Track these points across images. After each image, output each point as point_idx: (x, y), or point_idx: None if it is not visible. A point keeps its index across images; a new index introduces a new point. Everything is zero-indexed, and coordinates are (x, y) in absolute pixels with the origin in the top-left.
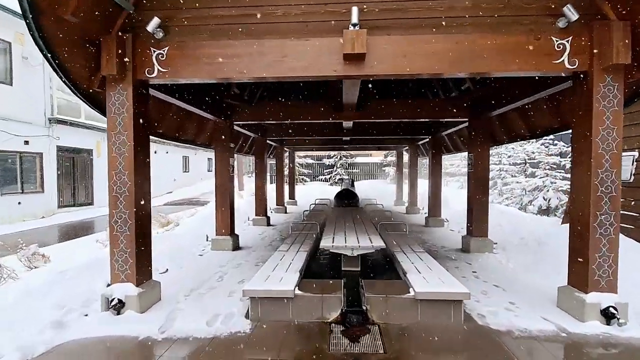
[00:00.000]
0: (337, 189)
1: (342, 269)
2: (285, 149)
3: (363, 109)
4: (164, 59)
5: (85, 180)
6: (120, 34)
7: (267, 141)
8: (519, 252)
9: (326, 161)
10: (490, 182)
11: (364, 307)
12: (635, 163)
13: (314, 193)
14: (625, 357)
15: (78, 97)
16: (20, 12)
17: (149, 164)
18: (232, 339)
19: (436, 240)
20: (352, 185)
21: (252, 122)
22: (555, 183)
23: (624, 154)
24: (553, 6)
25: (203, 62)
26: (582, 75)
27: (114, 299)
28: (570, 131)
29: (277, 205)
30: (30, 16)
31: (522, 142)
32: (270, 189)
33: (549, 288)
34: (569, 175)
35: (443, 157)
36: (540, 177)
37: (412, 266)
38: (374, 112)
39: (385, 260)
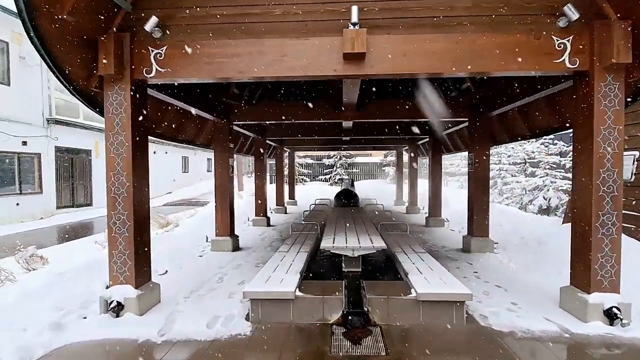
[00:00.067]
0: (337, 189)
1: (343, 269)
2: (285, 149)
3: (363, 108)
4: (162, 58)
5: (84, 181)
6: (117, 33)
7: (267, 141)
8: (520, 251)
9: (326, 161)
10: (490, 182)
11: (366, 309)
12: (636, 162)
13: (313, 193)
14: (629, 358)
15: (75, 97)
16: (17, 11)
17: (148, 165)
18: (232, 342)
19: (437, 240)
20: (352, 185)
21: (252, 122)
22: (555, 182)
23: (624, 153)
24: (553, 5)
25: (202, 62)
26: (583, 75)
27: (112, 301)
28: (570, 131)
29: (277, 205)
30: (26, 15)
31: (522, 141)
32: (270, 189)
33: (551, 288)
34: (569, 175)
35: (443, 156)
36: (541, 177)
37: (413, 267)
38: (374, 112)
39: (386, 260)
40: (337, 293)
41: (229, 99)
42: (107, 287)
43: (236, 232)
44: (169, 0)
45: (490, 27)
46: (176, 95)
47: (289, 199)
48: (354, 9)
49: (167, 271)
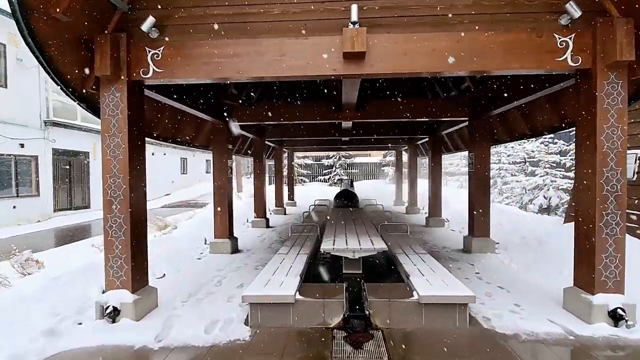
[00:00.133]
0: (337, 189)
1: (344, 271)
2: (284, 149)
3: (362, 108)
4: (159, 58)
5: (82, 183)
6: (114, 33)
7: (266, 142)
8: (521, 251)
9: (325, 161)
10: (490, 181)
11: (367, 312)
12: (637, 161)
13: (313, 194)
14: None
15: (71, 98)
16: (10, 11)
17: (145, 167)
18: (231, 347)
19: (437, 241)
20: (352, 185)
21: (251, 123)
22: (555, 182)
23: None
24: (555, 3)
25: (199, 62)
26: (585, 73)
27: (108, 306)
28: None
29: (276, 206)
30: (20, 15)
31: (522, 140)
32: (269, 190)
33: (553, 288)
34: (569, 174)
35: (442, 156)
36: (541, 176)
37: (414, 268)
38: (374, 111)
39: (386, 261)
40: (337, 296)
41: (227, 99)
42: (103, 292)
43: (235, 234)
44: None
45: (492, 25)
46: (174, 96)
47: (288, 199)
48: (354, 7)
49: (164, 274)
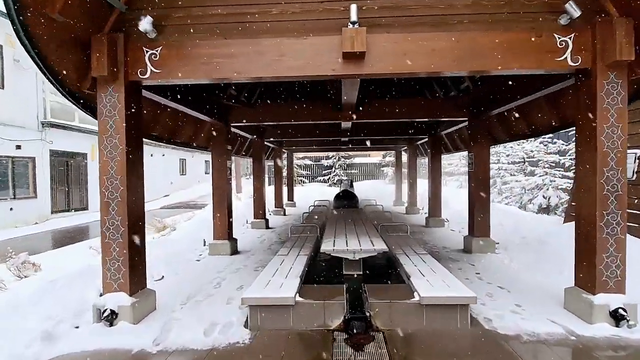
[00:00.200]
0: (336, 190)
1: (344, 273)
2: (284, 150)
3: (362, 109)
4: (157, 59)
5: (80, 185)
6: (111, 33)
7: (265, 143)
8: (521, 251)
9: (325, 162)
10: (490, 181)
11: (367, 313)
12: (637, 161)
13: (312, 194)
14: None
15: (67, 99)
16: (5, 11)
17: (143, 168)
18: (230, 350)
19: (437, 241)
20: (351, 186)
21: (250, 124)
22: (554, 181)
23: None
24: (555, 3)
25: (198, 62)
26: (585, 73)
27: (106, 309)
28: (569, 129)
29: (275, 207)
30: (15, 14)
31: (522, 140)
32: (269, 191)
33: (554, 288)
34: (568, 174)
35: (442, 156)
36: (540, 176)
37: (415, 269)
38: (373, 112)
39: (387, 262)
40: (338, 297)
41: (226, 100)
42: (101, 295)
43: (234, 235)
44: None
45: (491, 25)
46: (172, 96)
47: (288, 200)
48: (353, 7)
49: (163, 277)
